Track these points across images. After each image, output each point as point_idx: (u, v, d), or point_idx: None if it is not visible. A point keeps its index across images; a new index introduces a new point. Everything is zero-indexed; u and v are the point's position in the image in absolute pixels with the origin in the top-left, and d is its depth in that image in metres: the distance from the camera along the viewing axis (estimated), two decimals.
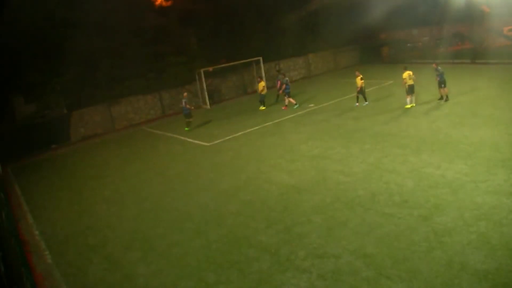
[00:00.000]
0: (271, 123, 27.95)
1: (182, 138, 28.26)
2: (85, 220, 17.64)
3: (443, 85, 26.37)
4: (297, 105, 31.65)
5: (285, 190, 16.87)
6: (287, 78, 32.97)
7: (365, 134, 22.33)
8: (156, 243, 14.45)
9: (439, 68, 26.49)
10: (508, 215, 12.30)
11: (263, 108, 33.26)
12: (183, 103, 29.43)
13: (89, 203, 19.56)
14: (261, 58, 40.70)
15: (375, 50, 49.82)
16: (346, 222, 13.52)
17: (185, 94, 31.22)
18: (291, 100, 31.96)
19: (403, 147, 19.38)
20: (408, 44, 48.63)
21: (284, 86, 32.03)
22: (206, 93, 38.01)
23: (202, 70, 37.16)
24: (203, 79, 37.34)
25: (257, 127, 27.57)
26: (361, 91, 28.46)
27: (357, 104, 28.90)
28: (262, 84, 33.42)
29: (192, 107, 30.16)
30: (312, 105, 31.46)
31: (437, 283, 9.92)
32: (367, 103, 28.67)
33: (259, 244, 13.10)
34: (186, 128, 29.85)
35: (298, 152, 21.20)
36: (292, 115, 29.14)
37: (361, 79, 28.07)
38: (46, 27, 30.14)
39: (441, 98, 26.72)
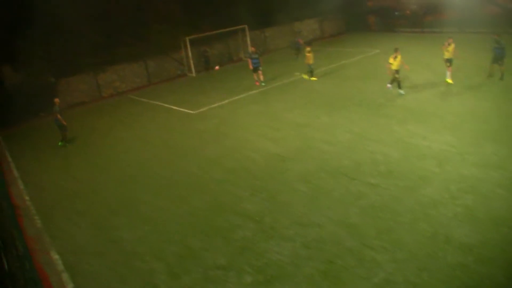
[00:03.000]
0: (256, 91, 27.95)
1: (167, 106, 28.20)
2: (72, 186, 17.76)
3: (500, 62, 22.43)
4: (264, 83, 29.63)
5: (270, 158, 17.02)
6: (251, 53, 30.16)
7: (351, 103, 22.41)
8: (141, 209, 14.62)
9: (501, 40, 22.57)
10: (495, 189, 12.38)
11: (314, 78, 29.44)
12: (55, 113, 22.97)
13: (76, 169, 19.64)
14: (246, 26, 40.47)
15: (362, 18, 48.97)
16: (331, 191, 13.66)
17: (56, 100, 23.41)
18: (257, 75, 29.75)
19: (389, 117, 19.47)
20: (396, 13, 48.01)
21: (250, 61, 29.63)
22: (191, 61, 37.82)
23: (187, 38, 36.88)
24: (188, 47, 37.12)
25: (242, 95, 27.56)
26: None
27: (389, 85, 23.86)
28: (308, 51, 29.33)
29: (64, 122, 23.03)
30: (297, 73, 31.41)
31: (421, 255, 10.04)
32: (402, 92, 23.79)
33: (243, 212, 13.26)
34: (59, 143, 23.43)
35: (283, 121, 21.30)
36: (278, 84, 29.10)
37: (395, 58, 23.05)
38: None
39: (491, 75, 23.00)
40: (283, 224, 12.21)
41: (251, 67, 29.62)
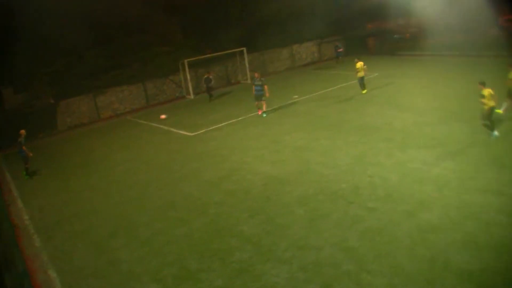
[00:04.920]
0: (255, 113, 28.03)
1: (166, 128, 28.33)
2: (71, 207, 17.81)
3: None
4: (265, 114, 27.73)
5: (268, 181, 17.06)
6: (257, 79, 27.41)
7: (350, 126, 22.51)
8: (140, 231, 14.64)
9: None
10: (496, 215, 12.19)
11: (364, 91, 29.54)
12: (20, 144, 21.99)
13: (75, 190, 19.70)
14: (244, 49, 40.80)
15: (361, 41, 49.02)
16: (329, 214, 13.66)
17: (22, 132, 22.33)
18: (260, 104, 27.87)
19: (388, 141, 19.47)
20: (395, 36, 47.82)
21: (253, 87, 27.54)
22: (189, 83, 38.01)
23: (186, 61, 37.16)
24: (187, 69, 37.35)
25: (241, 118, 27.71)
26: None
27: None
28: (360, 64, 28.82)
29: (30, 153, 22.22)
30: (296, 96, 31.61)
31: (419, 280, 9.92)
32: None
33: (241, 234, 13.29)
34: (24, 175, 22.56)
35: (282, 143, 21.38)
36: (276, 106, 29.24)
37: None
38: (34, 19, 30.24)
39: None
40: (280, 247, 12.21)
41: (253, 94, 27.45)
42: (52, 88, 33.33)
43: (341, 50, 45.36)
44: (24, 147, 22.08)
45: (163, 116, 27.63)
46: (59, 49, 32.60)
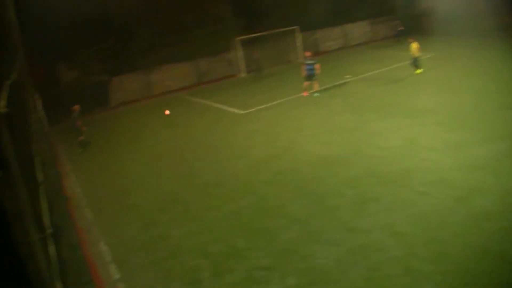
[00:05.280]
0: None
1: (218, 105, 28.41)
2: (122, 181, 18.18)
3: None
4: (317, 94, 27.38)
5: (318, 162, 16.90)
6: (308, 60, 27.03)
7: (402, 108, 21.99)
8: (189, 206, 14.80)
9: None
10: None
11: (419, 71, 29.03)
12: (74, 119, 22.92)
13: (127, 164, 20.10)
14: (296, 28, 40.42)
15: (415, 20, 47.77)
16: (379, 197, 13.42)
17: (76, 107, 23.06)
18: (309, 84, 27.33)
19: (442, 124, 18.88)
20: (450, 15, 46.06)
21: (303, 66, 27.32)
22: (243, 61, 37.98)
23: (238, 39, 37.12)
24: (239, 48, 37.31)
25: (292, 97, 27.47)
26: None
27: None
28: (414, 45, 28.31)
29: (84, 128, 23.07)
30: (348, 76, 31.14)
31: (470, 269, 9.58)
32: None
33: (289, 214, 13.23)
34: (78, 148, 23.13)
35: (333, 124, 21.15)
36: (328, 86, 28.86)
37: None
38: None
39: None
40: (329, 229, 12.10)
41: (304, 73, 27.19)
42: (105, 64, 33.88)
43: (402, 29, 44.03)
44: (78, 122, 22.72)
45: (167, 112, 26.89)
46: (112, 27, 33.12)
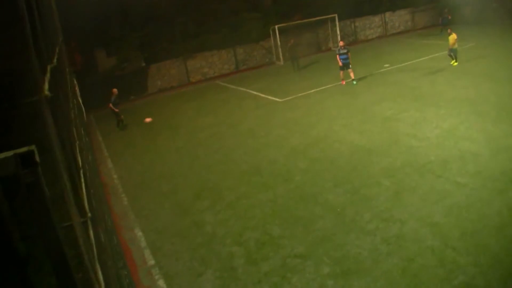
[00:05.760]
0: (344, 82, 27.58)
1: (255, 93, 28.48)
2: (158, 168, 18.41)
3: None
4: (355, 82, 27.20)
5: (355, 151, 16.80)
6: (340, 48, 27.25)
7: (441, 98, 21.59)
8: (225, 194, 14.88)
9: None
10: None
11: (455, 63, 28.15)
12: (111, 103, 24.43)
13: (163, 151, 20.34)
14: (336, 16, 40.14)
15: (457, 9, 46.85)
16: (415, 187, 13.27)
17: (114, 90, 24.58)
18: (345, 73, 27.34)
19: (482, 115, 18.43)
20: (494, 4, 44.98)
21: (338, 56, 27.18)
22: (280, 50, 37.92)
23: (276, 27, 37.06)
24: (278, 35, 37.27)
25: (329, 85, 27.34)
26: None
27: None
28: (453, 37, 27.44)
29: (116, 110, 24.51)
30: (387, 65, 30.84)
31: (506, 261, 9.45)
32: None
33: (325, 203, 13.20)
34: (116, 127, 25.18)
35: (370, 113, 20.96)
36: (365, 75, 28.65)
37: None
38: None
39: None
40: (364, 218, 12.03)
41: (340, 64, 27.01)
42: (143, 51, 34.30)
43: (449, 17, 42.11)
44: (110, 104, 23.97)
45: (147, 120, 25.27)
46: (149, 14, 33.47)
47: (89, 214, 3.71)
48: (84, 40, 31.06)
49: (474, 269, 9.37)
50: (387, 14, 46.41)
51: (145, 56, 34.31)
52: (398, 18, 47.32)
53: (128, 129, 24.15)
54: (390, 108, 21.15)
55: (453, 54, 27.93)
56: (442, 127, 17.79)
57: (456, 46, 27.62)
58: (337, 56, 27.18)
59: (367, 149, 16.72)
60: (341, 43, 27.66)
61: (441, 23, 41.83)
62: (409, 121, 19.11)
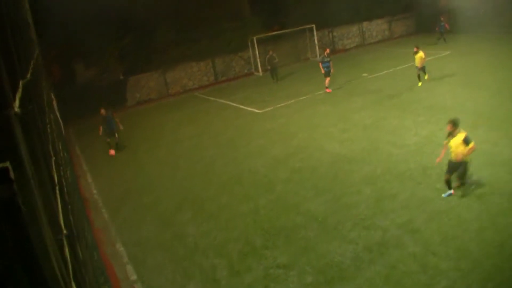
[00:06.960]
0: (323, 91, 27.66)
1: (234, 104, 28.48)
2: (139, 180, 18.31)
3: None
4: (329, 90, 27.42)
5: (336, 159, 16.87)
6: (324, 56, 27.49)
7: (420, 105, 21.83)
8: (206, 205, 14.85)
9: None
10: None
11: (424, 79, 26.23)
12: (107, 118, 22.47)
13: (143, 164, 20.24)
14: (314, 26, 40.34)
15: (433, 18, 47.05)
16: (396, 195, 13.39)
17: (102, 111, 22.70)
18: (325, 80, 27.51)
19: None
20: (468, 12, 45.43)
21: (320, 64, 27.41)
22: (258, 60, 37.95)
23: (255, 37, 37.14)
24: (256, 46, 37.34)
25: (309, 95, 27.42)
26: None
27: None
28: (420, 55, 25.51)
29: (121, 127, 22.80)
30: (365, 74, 31.04)
31: (486, 265, 9.59)
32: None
33: (307, 212, 13.23)
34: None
35: (350, 122, 21.07)
36: (344, 84, 28.80)
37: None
38: None
39: None
40: (346, 226, 12.08)
41: (322, 71, 27.22)
42: (121, 63, 34.15)
43: (446, 25, 39.66)
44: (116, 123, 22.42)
45: (112, 152, 22.94)
46: (128, 26, 33.35)
47: (65, 232, 3.65)
48: (62, 52, 30.85)
49: (455, 274, 9.47)
50: (365, 23, 46.67)
51: (123, 68, 34.16)
52: (376, 27, 47.63)
53: (107, 143, 23.90)
54: (369, 116, 21.28)
55: (421, 73, 26.03)
56: (421, 134, 17.96)
57: (423, 65, 25.72)
58: (320, 64, 27.44)
59: (348, 158, 16.81)
60: (327, 51, 27.78)
61: (438, 31, 40.86)
62: (388, 129, 19.26)
